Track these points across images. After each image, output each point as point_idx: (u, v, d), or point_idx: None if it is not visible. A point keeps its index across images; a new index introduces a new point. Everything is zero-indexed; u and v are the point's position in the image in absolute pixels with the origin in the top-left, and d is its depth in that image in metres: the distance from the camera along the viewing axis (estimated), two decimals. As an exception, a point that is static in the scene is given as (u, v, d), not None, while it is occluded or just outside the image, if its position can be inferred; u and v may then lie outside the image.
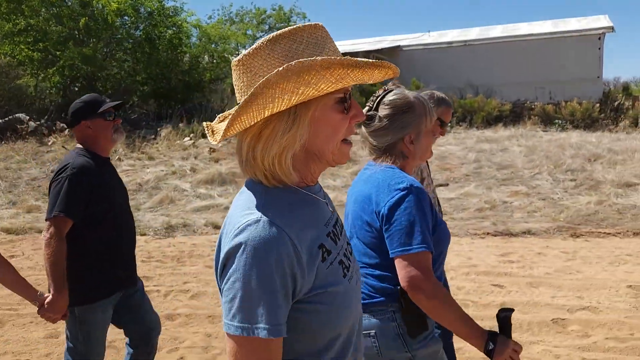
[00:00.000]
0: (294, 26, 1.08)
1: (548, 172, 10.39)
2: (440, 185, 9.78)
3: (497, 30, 22.17)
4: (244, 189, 1.15)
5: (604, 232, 6.94)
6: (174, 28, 17.43)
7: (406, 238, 1.68)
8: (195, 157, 11.37)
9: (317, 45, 1.07)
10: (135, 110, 17.27)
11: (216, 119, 1.22)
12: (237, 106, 1.05)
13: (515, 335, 3.08)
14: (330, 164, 1.14)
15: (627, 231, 6.91)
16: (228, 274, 1.01)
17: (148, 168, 10.78)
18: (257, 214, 1.03)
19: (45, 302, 2.35)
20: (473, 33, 22.43)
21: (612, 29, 19.32)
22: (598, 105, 18.39)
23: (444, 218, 2.67)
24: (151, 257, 6.18)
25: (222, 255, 1.05)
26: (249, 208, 1.06)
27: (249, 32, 23.80)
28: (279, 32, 1.06)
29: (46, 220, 2.41)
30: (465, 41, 21.13)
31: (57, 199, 2.38)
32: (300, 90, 1.00)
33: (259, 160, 1.08)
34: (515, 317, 3.87)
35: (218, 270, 1.07)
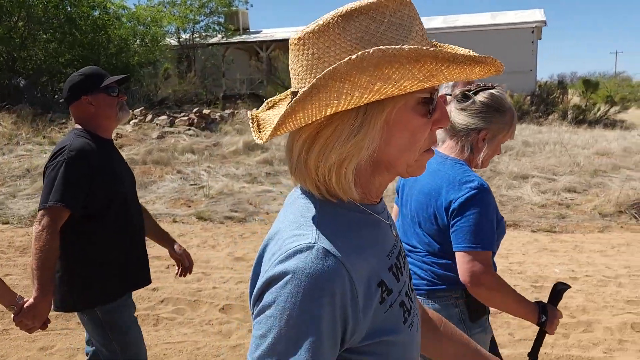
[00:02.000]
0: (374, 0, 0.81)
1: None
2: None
3: (437, 21, 22.23)
4: (295, 196, 0.93)
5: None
6: (99, 9, 16.75)
7: (472, 236, 1.75)
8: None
9: (402, 27, 0.81)
10: (57, 92, 16.59)
11: (263, 104, 0.98)
12: (291, 99, 0.81)
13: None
14: (402, 176, 0.93)
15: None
16: (263, 304, 0.82)
17: (45, 154, 10.27)
18: (310, 238, 0.82)
19: (25, 306, 1.98)
20: (435, 22, 22.42)
21: (544, 22, 19.58)
22: (529, 98, 18.67)
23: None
24: (-2, 247, 5.82)
25: (261, 279, 0.84)
26: (300, 227, 0.85)
27: (190, 15, 23.11)
28: (354, 4, 0.80)
29: (39, 210, 2.06)
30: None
31: (53, 186, 2.04)
32: (377, 87, 0.76)
33: (312, 168, 0.85)
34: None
35: (254, 293, 0.86)
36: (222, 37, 23.87)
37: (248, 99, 20.18)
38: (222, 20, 24.41)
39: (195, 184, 8.70)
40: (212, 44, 23.13)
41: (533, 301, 1.84)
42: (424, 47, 0.75)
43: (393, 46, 0.73)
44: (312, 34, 0.80)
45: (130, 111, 2.43)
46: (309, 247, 0.80)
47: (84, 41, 16.36)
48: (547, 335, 1.86)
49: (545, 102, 19.35)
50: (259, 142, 0.87)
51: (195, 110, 13.42)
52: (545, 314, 1.80)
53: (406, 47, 0.73)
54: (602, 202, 7.56)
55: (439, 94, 1.06)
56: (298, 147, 0.85)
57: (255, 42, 22.58)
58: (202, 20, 24.07)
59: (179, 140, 11.52)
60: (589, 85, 19.95)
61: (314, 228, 0.84)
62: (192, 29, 23.68)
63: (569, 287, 1.90)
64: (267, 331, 0.79)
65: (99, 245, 2.18)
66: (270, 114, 0.92)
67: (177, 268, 2.58)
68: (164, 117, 12.87)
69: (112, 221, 2.19)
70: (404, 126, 0.85)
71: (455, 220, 1.78)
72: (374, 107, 0.81)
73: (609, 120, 19.33)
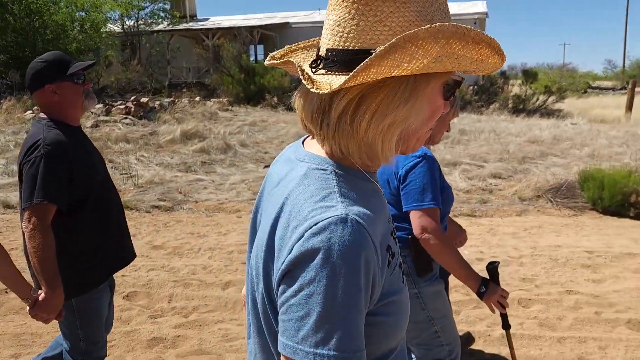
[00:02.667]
0: None
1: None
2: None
3: (384, 11, 22.40)
4: (306, 166, 0.90)
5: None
6: (32, -8, 16.08)
7: (420, 195, 2.00)
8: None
9: (445, 12, 0.87)
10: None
11: (299, 46, 1.00)
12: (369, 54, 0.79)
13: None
14: (402, 152, 0.94)
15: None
16: (298, 284, 0.79)
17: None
18: (340, 209, 0.81)
19: (38, 300, 2.01)
20: (361, 13, 22.54)
21: (486, 14, 20.05)
22: (471, 88, 19.13)
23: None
24: None
25: (289, 255, 0.80)
26: (324, 198, 0.83)
27: (135, 2, 22.48)
28: None
29: (25, 209, 2.00)
30: (352, 20, 21.22)
31: (36, 184, 1.98)
32: (441, 58, 0.80)
33: (362, 129, 0.85)
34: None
35: (279, 270, 0.82)
36: (168, 25, 23.39)
37: (194, 87, 19.88)
38: (168, 7, 23.89)
39: (126, 173, 8.54)
40: (157, 31, 22.63)
41: (477, 274, 2.05)
42: (483, 33, 0.81)
43: (465, 26, 0.78)
44: None
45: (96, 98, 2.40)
46: (343, 220, 0.79)
47: (17, 26, 15.70)
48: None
49: (487, 92, 19.88)
50: (317, 91, 0.81)
51: (132, 98, 13.13)
52: (485, 287, 2.02)
53: (473, 29, 0.79)
54: (522, 188, 7.88)
55: None
56: (341, 107, 0.84)
57: (201, 29, 22.24)
58: (147, 7, 23.50)
59: (114, 129, 11.26)
60: (529, 75, 20.62)
61: (340, 199, 0.83)
62: (136, 16, 23.06)
63: (498, 263, 2.16)
64: (309, 310, 0.77)
65: (80, 237, 2.17)
66: (321, 78, 0.87)
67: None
68: (100, 105, 12.53)
69: (92, 210, 2.18)
70: (430, 102, 0.88)
71: (404, 184, 2.04)
72: (422, 80, 0.84)
73: (546, 109, 20.07)
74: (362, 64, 0.77)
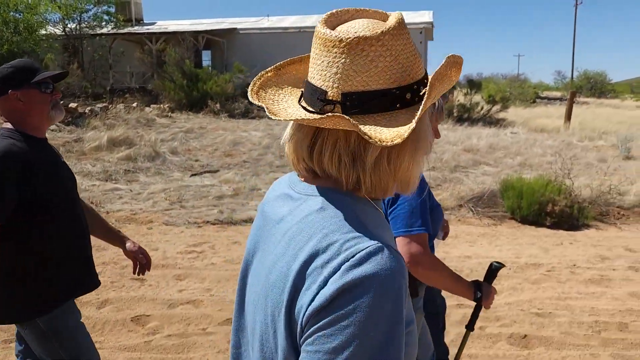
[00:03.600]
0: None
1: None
2: (208, 171, 9.42)
3: (332, 19, 22.45)
4: (319, 200, 0.88)
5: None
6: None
7: (407, 220, 1.89)
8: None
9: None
10: None
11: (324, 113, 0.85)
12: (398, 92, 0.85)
13: None
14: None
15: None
16: (332, 316, 0.75)
17: None
18: (374, 238, 0.80)
19: None
20: (310, 20, 22.52)
21: (432, 24, 20.33)
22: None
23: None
24: None
25: (317, 292, 0.77)
26: (353, 229, 0.82)
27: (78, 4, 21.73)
28: (399, 13, 0.89)
29: None
30: (301, 27, 21.14)
31: None
32: (444, 87, 0.89)
33: (403, 168, 0.87)
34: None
35: (302, 311, 0.78)
36: (112, 28, 22.74)
37: (137, 92, 19.33)
38: (112, 10, 23.23)
39: (38, 182, 8.10)
40: (99, 35, 21.94)
41: (470, 280, 2.01)
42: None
43: (454, 54, 0.89)
44: (391, 36, 0.83)
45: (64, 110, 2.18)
46: (380, 249, 0.78)
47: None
48: (482, 309, 2.10)
49: (432, 101, 20.10)
50: (391, 143, 0.79)
51: (61, 103, 12.56)
52: (480, 291, 1.98)
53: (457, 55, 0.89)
54: (446, 197, 7.85)
55: None
56: (378, 151, 0.84)
57: (144, 33, 21.69)
58: (90, 10, 22.77)
59: (37, 135, 10.74)
60: (473, 84, 20.97)
61: (368, 229, 0.82)
62: (78, 19, 22.32)
63: (504, 265, 2.13)
64: (345, 342, 0.73)
65: (38, 252, 2.00)
66: (281, 105, 0.91)
67: (133, 266, 2.40)
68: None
69: (52, 224, 2.02)
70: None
71: (393, 207, 1.94)
72: (429, 107, 0.88)
73: (490, 118, 20.44)
74: (424, 100, 0.82)
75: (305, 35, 20.81)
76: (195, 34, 20.04)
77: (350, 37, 0.82)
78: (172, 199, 7.51)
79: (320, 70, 0.85)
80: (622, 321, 3.83)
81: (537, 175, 8.40)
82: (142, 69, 20.95)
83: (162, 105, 16.43)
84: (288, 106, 0.91)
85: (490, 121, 19.77)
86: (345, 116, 0.79)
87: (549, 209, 7.04)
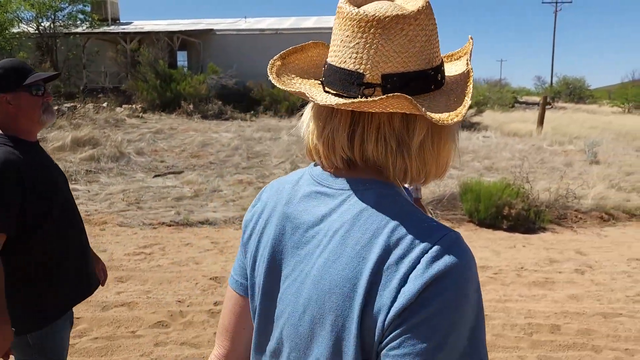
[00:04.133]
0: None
1: (290, 161, 10.44)
2: (172, 172, 9.33)
3: (310, 21, 22.46)
4: (374, 195, 0.82)
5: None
6: None
7: None
8: None
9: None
10: None
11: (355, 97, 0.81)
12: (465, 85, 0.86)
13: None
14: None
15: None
16: (423, 312, 0.70)
17: None
18: (443, 227, 0.78)
19: None
20: (288, 22, 22.51)
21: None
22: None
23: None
24: None
25: (398, 291, 0.71)
26: (421, 220, 0.78)
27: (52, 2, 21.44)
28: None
29: None
30: (277, 29, 21.10)
31: None
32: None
33: (445, 149, 0.85)
34: None
35: (386, 311, 0.72)
36: (87, 28, 22.46)
37: (112, 92, 19.12)
38: (88, 9, 22.96)
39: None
40: (73, 34, 21.65)
41: None
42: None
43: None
44: (426, 16, 0.81)
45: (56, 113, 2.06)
46: (457, 236, 0.76)
47: None
48: None
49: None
50: (453, 120, 0.78)
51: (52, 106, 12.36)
52: None
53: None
54: (407, 199, 7.88)
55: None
56: (423, 134, 0.81)
57: (118, 33, 21.46)
58: (65, 8, 22.48)
59: (-1, 134, 10.54)
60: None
61: (426, 219, 0.79)
62: (53, 17, 22.01)
63: None
64: (439, 339, 0.70)
65: (36, 263, 1.92)
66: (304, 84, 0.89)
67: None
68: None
69: (50, 234, 1.93)
70: None
71: None
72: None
73: (466, 122, 20.59)
74: (469, 81, 0.84)
75: (281, 37, 20.79)
76: (170, 34, 19.87)
77: (388, 16, 0.78)
78: (129, 199, 7.41)
79: (354, 53, 0.80)
80: (555, 323, 3.85)
81: (501, 179, 8.47)
82: (116, 68, 20.70)
83: (134, 106, 16.25)
84: (315, 93, 0.85)
85: (465, 125, 19.92)
86: (407, 96, 0.75)
87: (505, 212, 7.09)
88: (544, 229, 7.19)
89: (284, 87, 0.88)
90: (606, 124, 24.23)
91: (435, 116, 0.77)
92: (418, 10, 0.79)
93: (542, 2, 67.80)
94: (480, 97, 30.84)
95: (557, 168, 11.54)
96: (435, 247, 0.73)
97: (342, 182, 0.86)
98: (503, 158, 12.55)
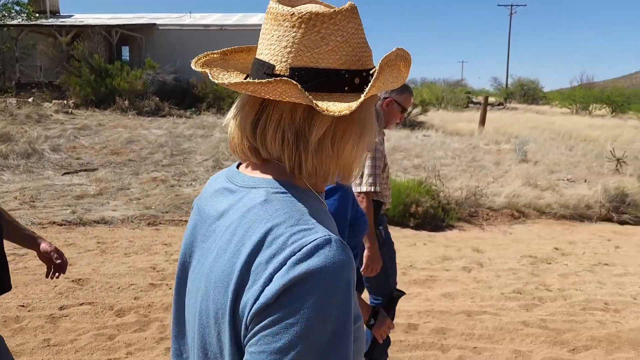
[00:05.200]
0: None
1: (215, 159, 10.21)
2: (85, 170, 8.96)
3: (256, 18, 22.19)
4: (263, 191, 0.82)
5: (185, 220, 6.70)
6: None
7: None
8: None
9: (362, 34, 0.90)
10: None
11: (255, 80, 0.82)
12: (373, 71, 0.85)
13: None
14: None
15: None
16: (278, 314, 0.70)
17: None
18: (320, 230, 0.76)
19: None
20: (233, 18, 22.18)
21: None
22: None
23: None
24: None
25: (262, 289, 0.72)
26: (299, 222, 0.77)
27: None
28: (353, 2, 0.86)
29: None
30: (222, 25, 20.74)
31: None
32: (393, 77, 0.88)
33: (346, 151, 0.84)
34: None
35: (247, 309, 0.73)
36: (24, 20, 21.55)
37: (46, 88, 18.38)
38: (24, 0, 22.04)
39: None
40: (6, 26, 20.70)
41: (371, 305, 1.99)
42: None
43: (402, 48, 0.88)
44: (343, 16, 0.82)
45: None
46: (328, 241, 0.74)
47: None
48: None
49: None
50: (337, 114, 0.78)
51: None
52: (375, 318, 1.95)
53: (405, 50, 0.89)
54: (320, 197, 7.77)
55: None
56: (322, 130, 0.81)
57: (52, 26, 20.64)
58: (9, 3, 21.46)
59: None
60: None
61: (314, 220, 0.78)
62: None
63: (404, 293, 2.15)
64: (292, 341, 0.69)
65: None
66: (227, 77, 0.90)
67: (47, 269, 2.11)
68: None
69: None
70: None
71: None
72: (373, 99, 0.89)
73: (412, 121, 20.73)
74: (372, 80, 0.81)
75: (226, 33, 20.45)
76: (108, 28, 19.27)
77: (303, 12, 0.81)
78: (24, 198, 7.04)
79: (269, 45, 0.83)
80: (414, 322, 3.77)
81: (428, 177, 8.46)
82: (47, 62, 19.88)
83: (65, 101, 15.66)
84: (232, 79, 0.89)
85: (409, 124, 20.04)
86: (293, 81, 0.76)
87: (412, 209, 7.06)
88: (451, 227, 7.19)
89: (198, 69, 0.91)
90: (549, 124, 24.83)
91: (322, 105, 0.78)
92: (335, 11, 0.82)
93: (498, 5, 69.24)
94: (433, 97, 31.23)
95: (485, 166, 11.67)
96: (304, 250, 0.73)
97: (244, 179, 0.88)
98: (436, 157, 12.62)
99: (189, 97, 18.78)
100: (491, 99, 52.92)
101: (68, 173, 8.71)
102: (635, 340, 3.63)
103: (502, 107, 42.25)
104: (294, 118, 0.82)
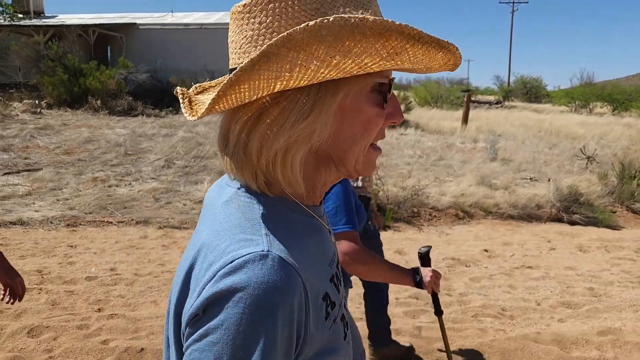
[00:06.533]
0: None
1: (166, 159, 10.02)
2: (28, 170, 8.80)
3: (217, 16, 21.98)
4: (232, 194, 0.78)
5: (107, 221, 6.51)
6: None
7: (333, 219, 1.91)
8: None
9: (360, 3, 0.73)
10: None
11: (192, 88, 0.86)
12: (234, 71, 0.68)
13: None
14: (350, 175, 0.81)
15: (132, 220, 6.57)
16: (206, 329, 0.66)
17: None
18: (262, 244, 0.69)
19: None
20: (215, 17, 22.00)
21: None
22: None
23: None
24: None
25: (198, 298, 0.68)
26: (246, 230, 0.71)
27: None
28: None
29: None
30: (202, 24, 20.57)
31: None
32: (335, 61, 0.66)
33: (253, 154, 0.74)
34: None
35: (186, 316, 0.69)
36: (7, 20, 21.48)
37: (24, 88, 18.29)
38: (8, 1, 21.99)
39: None
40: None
41: (408, 268, 2.00)
42: (390, 20, 0.66)
43: (357, 15, 0.65)
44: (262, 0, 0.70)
45: None
46: (263, 256, 0.67)
47: None
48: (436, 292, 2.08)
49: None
50: (191, 119, 0.75)
51: None
52: (418, 274, 1.98)
53: (371, 17, 0.64)
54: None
55: None
56: (237, 130, 0.75)
57: (29, 26, 20.53)
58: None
59: None
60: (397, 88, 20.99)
61: (265, 232, 0.72)
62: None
63: (430, 247, 2.21)
64: (221, 351, 0.64)
65: None
66: (200, 98, 0.83)
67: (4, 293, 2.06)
68: None
69: None
70: (357, 114, 0.76)
71: None
72: (328, 88, 0.73)
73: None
74: (226, 81, 0.67)
75: (206, 32, 20.27)
76: (85, 27, 19.15)
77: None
78: (-54, 199, 6.88)
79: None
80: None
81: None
82: (21, 63, 19.74)
83: (37, 101, 15.55)
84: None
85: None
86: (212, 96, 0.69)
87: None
88: (387, 228, 6.94)
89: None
90: (539, 121, 24.46)
91: (188, 113, 0.75)
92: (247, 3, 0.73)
93: (499, 2, 68.73)
94: (428, 95, 30.97)
95: (450, 165, 11.40)
96: (234, 263, 0.68)
97: (232, 175, 0.82)
98: (403, 155, 12.37)
99: (168, 96, 18.64)
100: (490, 97, 52.55)
101: (9, 173, 8.55)
102: (506, 350, 3.39)
103: (499, 105, 41.78)
104: (223, 120, 0.79)
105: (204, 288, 0.68)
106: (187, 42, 19.99)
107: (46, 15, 24.18)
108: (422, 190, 7.64)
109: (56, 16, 24.05)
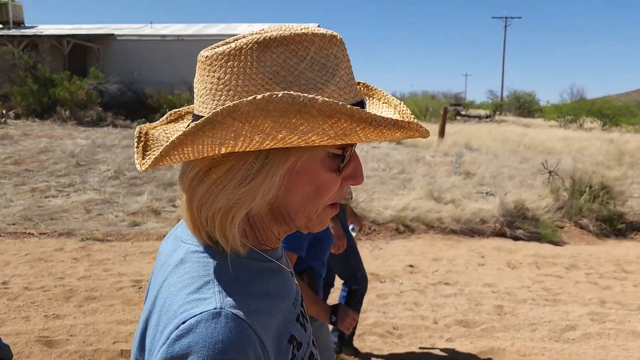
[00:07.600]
0: (301, 30, 0.69)
1: (116, 170, 9.88)
2: (-31, 180, 8.63)
3: (216, 28, 21.99)
4: (185, 249, 0.76)
5: (28, 233, 6.35)
6: None
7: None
8: None
9: (326, 68, 0.70)
10: None
11: (165, 116, 0.87)
12: (188, 125, 0.72)
13: None
14: (301, 230, 0.80)
15: (55, 232, 6.41)
16: None
17: None
18: (215, 302, 0.67)
19: None
20: (194, 29, 22.00)
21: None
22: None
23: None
24: None
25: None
26: (199, 288, 0.69)
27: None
28: (276, 32, 0.68)
29: None
30: (179, 36, 20.56)
31: None
32: (281, 135, 0.65)
33: (194, 209, 0.73)
34: None
35: None
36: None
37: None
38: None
39: None
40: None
41: (331, 304, 2.06)
42: (341, 102, 0.64)
43: (306, 95, 0.63)
44: (222, 55, 0.69)
45: None
46: (215, 315, 0.65)
47: None
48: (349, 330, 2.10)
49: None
50: (139, 169, 0.72)
51: None
52: (335, 315, 2.01)
53: (320, 98, 0.63)
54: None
55: None
56: (188, 181, 0.73)
57: (3, 36, 20.42)
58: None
59: None
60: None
61: (217, 288, 0.69)
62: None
63: (364, 287, 2.14)
64: None
65: None
66: (168, 130, 0.83)
67: None
68: None
69: None
70: (309, 179, 0.74)
71: None
72: (277, 154, 0.70)
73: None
74: (170, 140, 0.66)
75: (184, 44, 20.23)
76: (59, 38, 19.12)
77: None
78: None
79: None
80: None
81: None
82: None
83: (4, 111, 15.44)
84: None
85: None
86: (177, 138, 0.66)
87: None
88: (319, 242, 6.78)
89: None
90: (521, 136, 24.39)
91: (138, 161, 0.74)
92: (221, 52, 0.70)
93: (492, 17, 69.18)
94: (417, 109, 30.99)
95: (410, 179, 11.27)
96: (186, 324, 0.65)
97: (187, 231, 0.79)
98: (366, 169, 12.24)
99: (144, 107, 18.55)
100: (481, 112, 52.63)
101: (-53, 183, 8.39)
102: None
103: (489, 119, 41.75)
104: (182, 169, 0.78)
105: (158, 351, 0.67)
106: (165, 53, 19.97)
107: (26, 25, 24.16)
108: (360, 203, 7.49)
109: (36, 26, 24.05)
